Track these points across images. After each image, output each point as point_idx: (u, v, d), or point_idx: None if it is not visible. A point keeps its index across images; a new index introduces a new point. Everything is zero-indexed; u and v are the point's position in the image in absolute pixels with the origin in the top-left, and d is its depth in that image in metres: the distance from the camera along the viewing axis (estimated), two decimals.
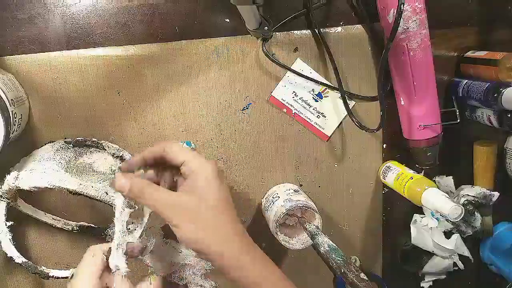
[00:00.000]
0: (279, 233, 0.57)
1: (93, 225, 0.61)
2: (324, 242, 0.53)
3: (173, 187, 0.44)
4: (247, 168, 0.63)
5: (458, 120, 0.62)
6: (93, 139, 0.57)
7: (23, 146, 0.57)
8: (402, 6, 0.47)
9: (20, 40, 0.54)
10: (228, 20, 0.57)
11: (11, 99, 0.50)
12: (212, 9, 0.57)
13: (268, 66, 0.60)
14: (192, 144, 0.51)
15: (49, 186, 0.50)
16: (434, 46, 0.58)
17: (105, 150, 0.57)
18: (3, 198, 0.53)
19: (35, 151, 0.56)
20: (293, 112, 0.62)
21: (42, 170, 0.52)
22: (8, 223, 0.54)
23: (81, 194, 0.52)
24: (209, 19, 0.57)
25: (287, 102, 0.61)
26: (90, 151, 0.57)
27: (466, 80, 0.61)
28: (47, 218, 0.60)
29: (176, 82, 0.59)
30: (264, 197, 0.64)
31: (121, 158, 0.58)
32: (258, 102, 0.61)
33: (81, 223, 0.61)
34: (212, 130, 0.61)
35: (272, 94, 0.61)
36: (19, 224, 0.58)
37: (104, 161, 0.57)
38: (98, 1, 0.54)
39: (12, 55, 0.54)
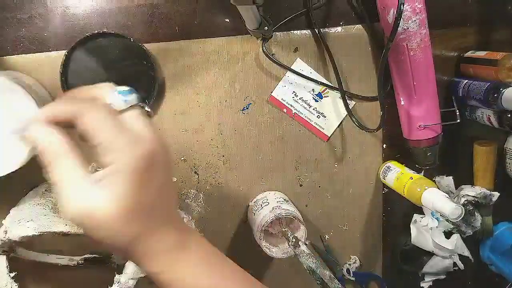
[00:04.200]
0: (262, 238, 0.57)
1: (97, 255, 0.62)
2: (304, 263, 0.54)
3: None
4: (247, 168, 0.63)
5: (458, 120, 0.62)
6: None
7: None
8: (402, 6, 0.47)
9: (20, 40, 0.54)
10: (228, 20, 0.57)
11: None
12: (212, 9, 0.57)
13: (268, 66, 0.60)
14: (128, 97, 0.32)
15: (36, 234, 0.49)
16: (434, 46, 0.58)
17: None
18: (1, 252, 0.53)
19: (22, 199, 0.56)
20: (293, 112, 0.62)
21: (30, 218, 0.51)
22: (12, 274, 0.52)
23: (70, 234, 0.50)
24: (209, 19, 0.57)
25: (287, 102, 0.61)
26: None
27: (466, 80, 0.61)
28: (50, 258, 0.60)
29: (176, 82, 0.59)
30: (253, 201, 0.64)
31: None
32: (258, 102, 0.61)
33: (85, 255, 0.62)
34: (212, 130, 0.61)
35: (272, 94, 0.61)
36: (24, 273, 0.57)
37: None
38: (98, 1, 0.54)
39: (12, 55, 0.54)
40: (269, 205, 0.59)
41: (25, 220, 0.51)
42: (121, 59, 0.54)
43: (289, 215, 0.56)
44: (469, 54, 0.63)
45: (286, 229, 0.58)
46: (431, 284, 0.72)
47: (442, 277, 0.71)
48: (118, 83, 0.33)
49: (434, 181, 0.66)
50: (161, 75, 0.57)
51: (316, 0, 0.58)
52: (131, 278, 0.52)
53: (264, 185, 0.64)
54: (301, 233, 0.58)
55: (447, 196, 0.53)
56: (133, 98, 0.32)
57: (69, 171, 0.29)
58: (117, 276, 0.53)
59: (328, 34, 0.60)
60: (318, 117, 0.63)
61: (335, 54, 0.60)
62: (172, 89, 0.59)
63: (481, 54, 0.61)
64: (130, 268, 0.53)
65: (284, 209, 0.57)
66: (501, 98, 0.54)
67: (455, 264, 0.68)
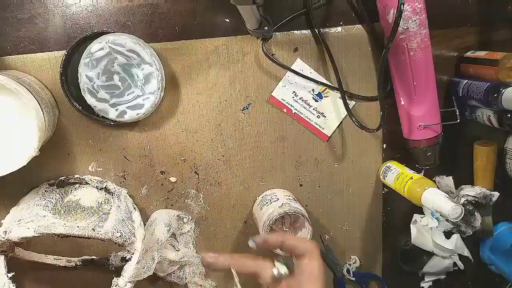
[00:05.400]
0: (268, 233, 0.57)
1: (95, 257, 0.62)
2: None
3: None
4: (247, 168, 0.63)
5: (458, 120, 0.62)
6: (76, 176, 0.58)
7: None
8: (402, 6, 0.47)
9: (20, 40, 0.54)
10: (228, 20, 0.57)
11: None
12: (212, 9, 0.57)
13: (268, 66, 0.60)
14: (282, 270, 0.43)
15: (36, 235, 0.49)
16: (434, 46, 0.58)
17: (89, 184, 0.58)
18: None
19: (22, 199, 0.56)
20: (293, 112, 0.62)
21: (30, 219, 0.51)
22: (10, 275, 0.53)
23: (69, 236, 0.51)
24: (209, 19, 0.57)
25: (287, 102, 0.61)
26: (75, 188, 0.58)
27: (466, 80, 0.61)
28: (48, 259, 0.60)
29: (176, 82, 0.59)
30: (261, 195, 0.64)
31: (106, 190, 0.58)
32: (258, 102, 0.61)
33: (83, 257, 0.62)
34: (212, 130, 0.61)
35: (272, 94, 0.61)
36: (21, 273, 0.58)
37: (89, 195, 0.57)
38: (98, 1, 0.54)
39: (12, 55, 0.54)
40: (278, 201, 0.59)
41: (24, 221, 0.51)
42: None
43: (298, 213, 0.56)
44: (469, 54, 0.63)
45: (287, 229, 0.58)
46: (431, 284, 0.72)
47: (442, 277, 0.71)
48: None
49: (434, 181, 0.66)
50: (162, 74, 0.57)
51: (316, 0, 0.58)
52: (129, 281, 0.52)
53: (264, 185, 0.64)
54: (306, 232, 0.58)
55: (447, 196, 0.53)
56: (284, 270, 0.42)
57: None
58: (114, 279, 0.53)
59: (328, 34, 0.60)
60: (318, 117, 0.63)
61: (335, 54, 0.60)
62: (172, 89, 0.59)
63: (481, 54, 0.61)
64: (128, 271, 0.52)
65: (294, 206, 0.57)
66: (501, 98, 0.54)
67: (455, 264, 0.68)
